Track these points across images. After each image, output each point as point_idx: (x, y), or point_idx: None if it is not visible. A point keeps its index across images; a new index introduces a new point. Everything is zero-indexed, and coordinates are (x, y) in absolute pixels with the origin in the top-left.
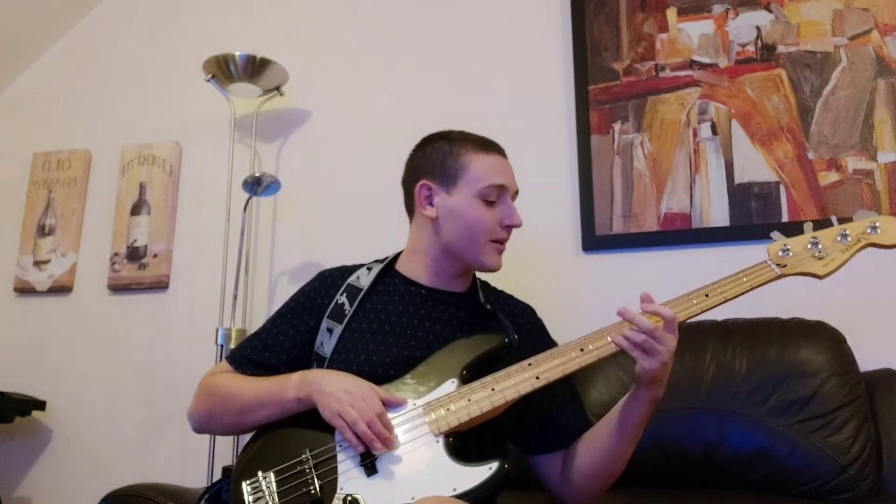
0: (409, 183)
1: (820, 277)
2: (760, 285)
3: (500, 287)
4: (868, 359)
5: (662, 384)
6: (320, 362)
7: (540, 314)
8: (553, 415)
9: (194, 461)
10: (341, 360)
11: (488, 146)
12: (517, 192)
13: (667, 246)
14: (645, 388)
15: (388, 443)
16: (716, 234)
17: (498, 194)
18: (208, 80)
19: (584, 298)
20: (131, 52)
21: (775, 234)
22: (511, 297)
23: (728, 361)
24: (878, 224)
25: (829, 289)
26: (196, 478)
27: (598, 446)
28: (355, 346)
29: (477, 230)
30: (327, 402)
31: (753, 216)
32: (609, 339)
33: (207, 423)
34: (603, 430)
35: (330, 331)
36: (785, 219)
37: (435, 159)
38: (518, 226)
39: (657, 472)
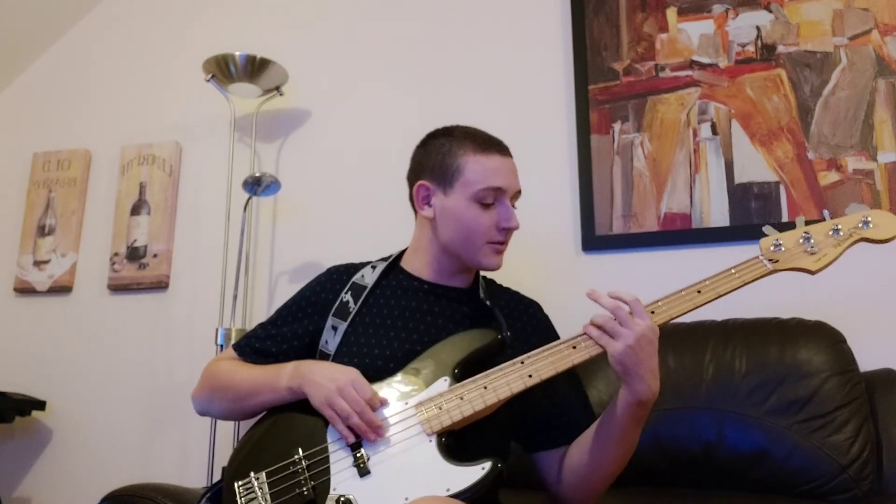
0: (410, 180)
1: (812, 273)
2: (753, 281)
3: (496, 278)
4: (868, 359)
5: (640, 378)
6: (324, 360)
7: None
8: (554, 412)
9: (194, 461)
10: (344, 354)
11: (488, 146)
12: (519, 192)
13: (667, 246)
14: (624, 384)
15: (380, 431)
16: (716, 234)
17: (495, 196)
18: (208, 80)
19: (584, 298)
20: (131, 51)
21: (767, 229)
22: (517, 293)
23: (728, 361)
24: (870, 219)
25: (829, 289)
26: (196, 478)
27: (587, 447)
28: (358, 340)
29: (472, 233)
30: (317, 392)
31: (753, 216)
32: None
33: (208, 406)
34: (592, 431)
35: (335, 328)
36: (785, 219)
37: (434, 158)
38: (514, 228)
39: (657, 472)
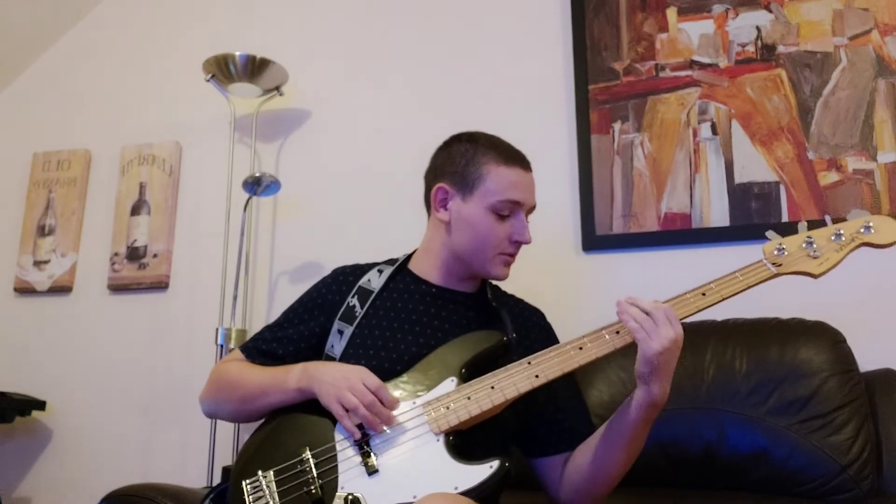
0: (429, 180)
1: (815, 277)
2: (756, 284)
3: (500, 286)
4: (868, 359)
5: (660, 381)
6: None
7: None
8: (557, 417)
9: (194, 461)
10: (350, 357)
11: (512, 158)
12: (534, 208)
13: (667, 246)
14: (643, 385)
15: (389, 422)
16: (716, 234)
17: (512, 209)
18: (208, 80)
19: (584, 298)
20: (131, 52)
21: (770, 234)
22: (521, 300)
23: (728, 361)
24: (871, 224)
25: (829, 289)
26: (196, 478)
27: (595, 451)
28: (364, 342)
29: (485, 243)
30: (326, 390)
31: (753, 216)
32: (607, 336)
33: (216, 408)
34: (600, 434)
35: (340, 332)
36: (785, 219)
37: (457, 163)
38: (527, 243)
39: (657, 472)
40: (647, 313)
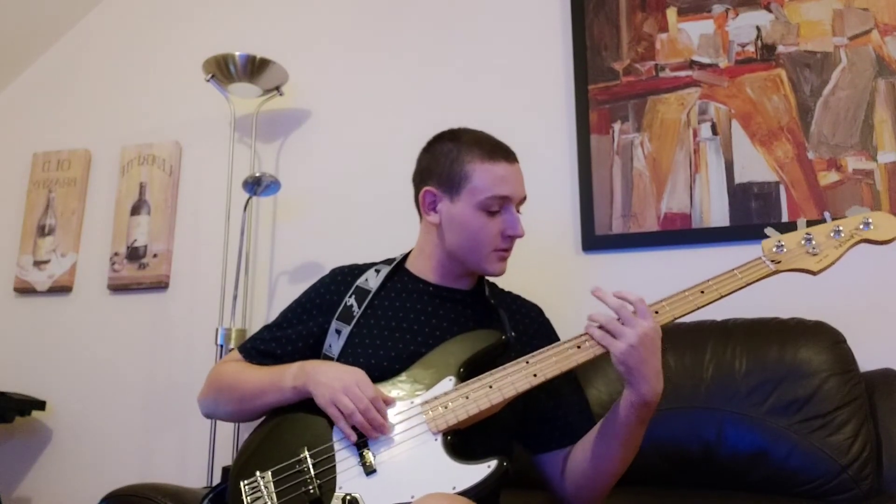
0: (416, 183)
1: (814, 273)
2: (755, 281)
3: (500, 285)
4: (868, 359)
5: (643, 379)
6: None
7: None
8: (558, 413)
9: (194, 461)
10: (349, 356)
11: (495, 153)
12: (524, 199)
13: (667, 246)
14: (628, 385)
15: (383, 429)
16: (716, 234)
17: (501, 205)
18: (208, 80)
19: (584, 298)
20: (132, 51)
21: (769, 231)
22: (518, 297)
23: (728, 361)
24: (870, 220)
25: (829, 288)
26: (196, 478)
27: (591, 448)
28: (363, 342)
29: (478, 241)
30: (321, 391)
31: (753, 216)
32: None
33: (214, 408)
34: (595, 432)
35: (338, 332)
36: (785, 219)
37: (441, 164)
38: (520, 236)
39: (656, 472)
40: (616, 311)
